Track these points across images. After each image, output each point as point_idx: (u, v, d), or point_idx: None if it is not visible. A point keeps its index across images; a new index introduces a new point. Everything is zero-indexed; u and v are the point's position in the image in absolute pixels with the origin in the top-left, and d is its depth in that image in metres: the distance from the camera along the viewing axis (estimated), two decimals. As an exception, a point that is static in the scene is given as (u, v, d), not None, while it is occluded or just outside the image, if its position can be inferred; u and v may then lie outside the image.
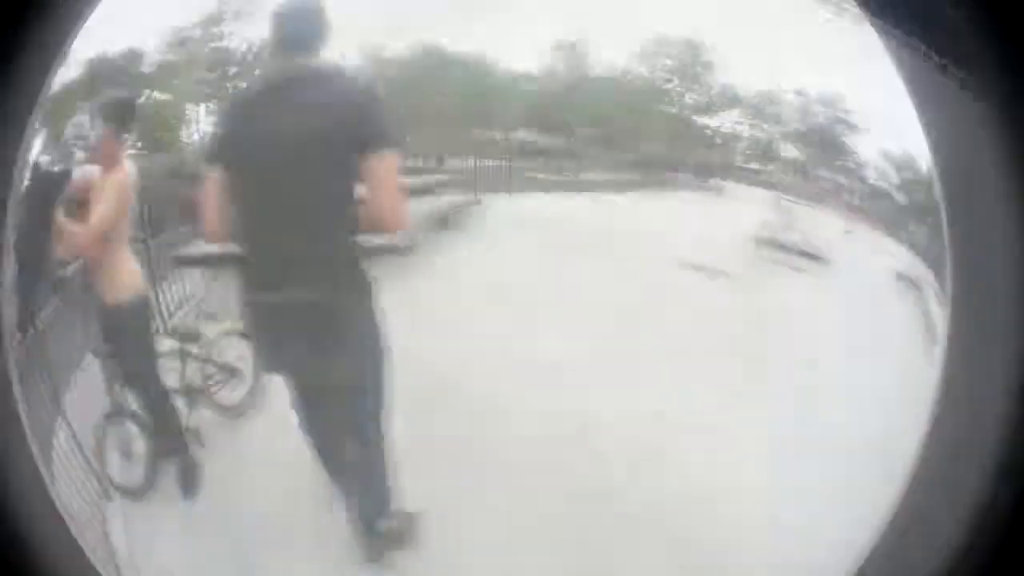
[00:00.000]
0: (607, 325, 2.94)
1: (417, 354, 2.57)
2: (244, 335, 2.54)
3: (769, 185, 2.69)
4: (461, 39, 2.69)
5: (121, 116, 2.27)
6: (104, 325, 2.32)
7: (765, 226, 2.81)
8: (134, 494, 2.29)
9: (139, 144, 2.50)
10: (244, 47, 2.53)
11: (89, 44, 2.22)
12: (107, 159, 2.19)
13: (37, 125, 1.97)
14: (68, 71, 2.19)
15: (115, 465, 2.36)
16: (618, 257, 3.19)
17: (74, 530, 1.73)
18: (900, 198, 2.15)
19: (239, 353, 2.58)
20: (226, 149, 1.93)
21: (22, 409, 1.65)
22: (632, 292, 3.03)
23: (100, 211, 2.20)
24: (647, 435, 2.61)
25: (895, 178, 2.14)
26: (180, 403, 2.43)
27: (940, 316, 1.68)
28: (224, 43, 2.53)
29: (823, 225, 2.58)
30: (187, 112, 2.58)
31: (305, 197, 1.78)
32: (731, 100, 2.63)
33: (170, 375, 2.48)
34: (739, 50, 2.50)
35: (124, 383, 2.33)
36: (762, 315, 2.80)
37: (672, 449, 2.56)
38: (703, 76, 2.71)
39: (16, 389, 1.64)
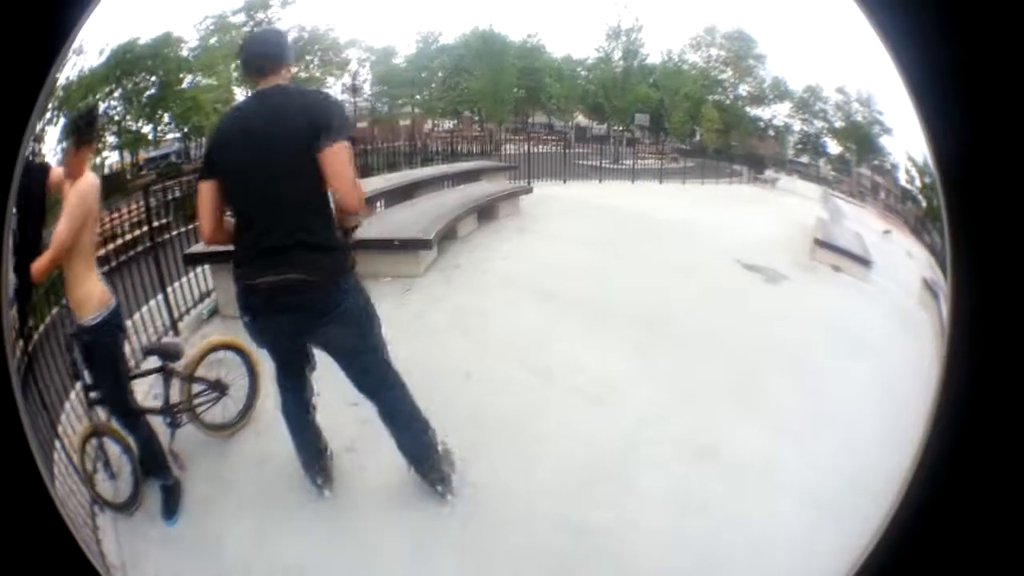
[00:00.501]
0: (658, 337, 3.03)
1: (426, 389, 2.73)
2: (231, 348, 2.70)
3: (817, 180, 2.90)
4: (517, 23, 2.97)
5: (80, 127, 2.33)
6: (76, 344, 2.40)
7: (820, 225, 3.00)
8: (121, 509, 2.43)
9: (179, 131, 2.75)
10: (292, 33, 2.76)
11: (114, 30, 2.39)
12: (69, 170, 2.27)
13: (49, 116, 2.16)
14: (88, 59, 2.34)
15: (102, 480, 2.48)
16: (673, 253, 3.37)
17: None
18: (923, 202, 2.32)
19: (228, 369, 2.71)
20: (211, 162, 2.40)
21: (23, 411, 1.86)
22: (688, 294, 3.15)
23: (59, 227, 2.28)
24: (692, 474, 2.67)
25: (918, 182, 2.34)
26: (162, 424, 2.54)
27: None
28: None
29: (865, 224, 2.74)
30: (233, 98, 2.77)
31: (278, 190, 2.22)
32: (782, 93, 2.88)
33: (152, 394, 2.60)
34: (787, 44, 2.75)
35: (99, 403, 2.44)
36: (816, 325, 2.90)
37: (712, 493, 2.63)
38: (755, 68, 2.98)
39: (17, 392, 1.85)
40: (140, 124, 2.62)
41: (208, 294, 2.88)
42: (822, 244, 3.00)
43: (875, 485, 2.02)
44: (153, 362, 2.59)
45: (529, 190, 3.51)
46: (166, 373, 2.56)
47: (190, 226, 2.71)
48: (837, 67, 2.51)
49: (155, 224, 2.75)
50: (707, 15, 2.91)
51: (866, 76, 2.40)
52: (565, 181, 3.56)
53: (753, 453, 2.63)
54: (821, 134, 2.82)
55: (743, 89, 3.06)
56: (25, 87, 1.78)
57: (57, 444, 2.28)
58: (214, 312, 2.88)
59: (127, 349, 2.51)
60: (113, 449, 2.47)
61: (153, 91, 2.62)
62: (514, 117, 3.35)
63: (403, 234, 3.15)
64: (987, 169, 1.56)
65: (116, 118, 2.54)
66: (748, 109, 3.07)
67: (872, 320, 2.84)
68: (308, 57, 2.87)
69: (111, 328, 2.42)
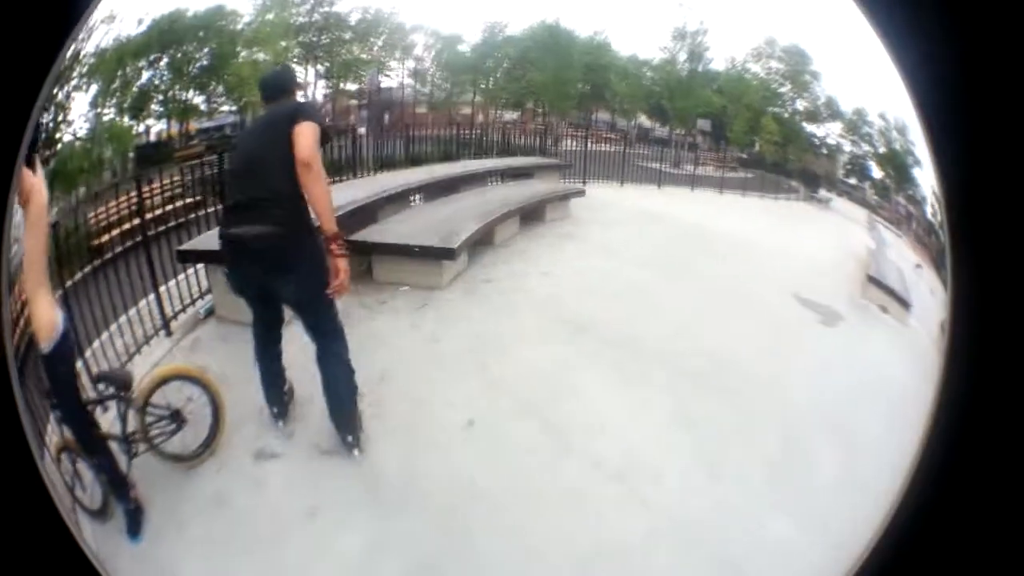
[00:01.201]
0: (701, 393, 3.14)
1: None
2: (187, 378, 2.98)
3: (864, 204, 3.18)
4: (584, 19, 3.37)
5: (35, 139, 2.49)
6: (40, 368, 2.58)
7: (871, 258, 3.22)
8: (95, 516, 2.70)
9: (235, 104, 3.22)
10: (356, 14, 3.28)
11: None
12: (22, 192, 2.41)
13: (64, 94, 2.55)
14: (124, 27, 2.76)
15: (78, 488, 2.69)
16: (729, 278, 3.53)
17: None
18: (942, 237, 2.49)
19: (187, 396, 2.94)
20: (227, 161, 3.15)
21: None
22: (741, 337, 3.29)
23: (28, 244, 2.47)
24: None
25: (940, 216, 2.52)
26: (121, 449, 2.78)
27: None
28: (332, 8, 3.26)
29: (902, 256, 2.94)
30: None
31: (259, 155, 3.00)
32: (834, 113, 3.21)
33: (109, 421, 2.82)
34: (841, 64, 3.09)
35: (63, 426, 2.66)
36: (865, 375, 3.03)
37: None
38: (811, 84, 3.32)
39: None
40: (191, 94, 3.13)
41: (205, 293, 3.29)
42: (874, 281, 3.24)
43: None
44: (103, 388, 2.85)
45: (581, 192, 3.88)
46: (120, 401, 2.83)
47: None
48: (878, 92, 2.74)
49: (186, 201, 3.22)
50: (766, 27, 3.28)
51: (897, 103, 2.55)
52: (622, 183, 3.93)
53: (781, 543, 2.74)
54: (867, 157, 3.16)
55: (800, 104, 3.41)
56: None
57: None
58: (211, 312, 3.30)
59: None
60: (82, 463, 2.72)
61: (205, 62, 3.12)
62: (577, 112, 3.77)
63: (429, 238, 3.50)
64: (988, 170, 1.85)
65: (162, 87, 3.04)
66: (804, 124, 3.43)
67: (909, 371, 2.81)
68: (372, 39, 3.36)
69: (63, 357, 2.64)
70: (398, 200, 3.83)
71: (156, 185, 3.17)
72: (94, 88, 2.77)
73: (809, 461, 2.91)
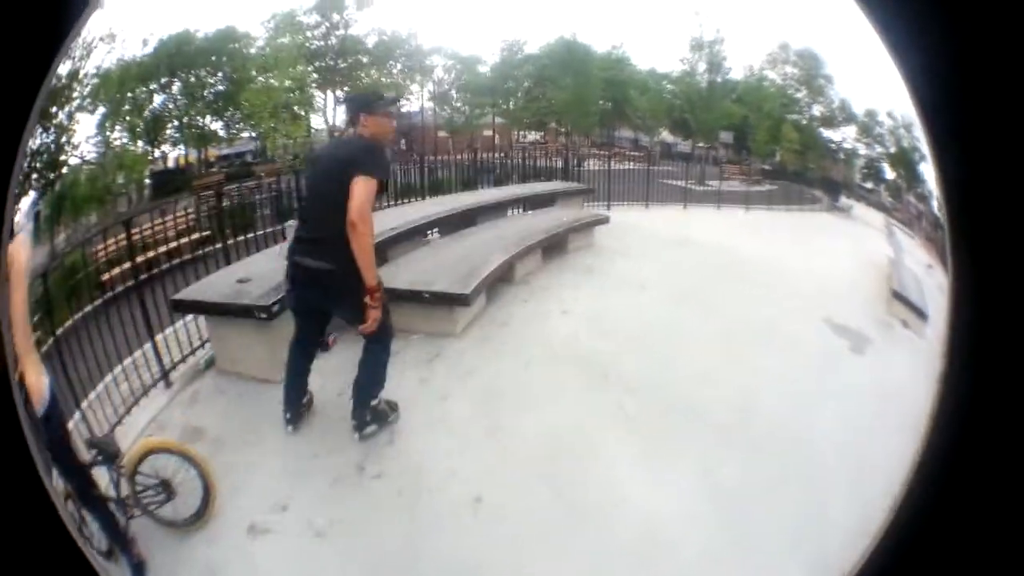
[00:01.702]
0: (732, 453, 3.21)
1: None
2: (172, 452, 3.16)
3: (880, 207, 3.35)
4: (600, 33, 3.65)
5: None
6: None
7: (892, 268, 3.36)
8: (105, 555, 2.86)
9: (254, 131, 3.52)
10: (372, 37, 3.64)
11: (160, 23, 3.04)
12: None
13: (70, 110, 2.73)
14: (128, 48, 2.94)
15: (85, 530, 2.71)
16: (759, 310, 3.72)
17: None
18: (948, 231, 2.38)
19: (175, 468, 3.12)
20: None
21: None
22: (773, 379, 3.38)
23: (16, 300, 2.51)
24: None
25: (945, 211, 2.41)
26: (117, 510, 2.98)
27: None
28: (349, 32, 3.61)
29: (914, 256, 3.06)
30: (311, 99, 3.66)
31: (324, 200, 3.37)
32: (848, 116, 3.42)
33: (106, 483, 2.98)
34: (851, 66, 3.24)
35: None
36: (891, 406, 2.94)
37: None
38: (826, 88, 3.54)
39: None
40: (208, 120, 3.47)
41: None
42: (898, 296, 3.38)
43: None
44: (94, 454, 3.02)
45: (605, 219, 4.13)
46: (111, 468, 3.05)
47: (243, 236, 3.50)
48: (881, 90, 2.77)
49: (197, 236, 3.50)
50: (776, 31, 3.54)
51: (898, 100, 2.52)
52: (647, 205, 4.20)
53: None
54: (881, 159, 3.37)
55: (816, 109, 3.63)
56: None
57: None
58: (211, 364, 3.59)
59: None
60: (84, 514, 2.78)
61: (220, 87, 3.45)
62: (599, 130, 4.08)
63: (443, 281, 3.72)
64: (988, 165, 1.97)
65: (176, 112, 3.34)
66: (822, 130, 3.66)
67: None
68: (391, 62, 3.75)
69: (55, 420, 2.73)
70: (413, 236, 4.07)
71: (169, 218, 3.45)
72: (101, 110, 3.01)
73: (833, 523, 2.92)
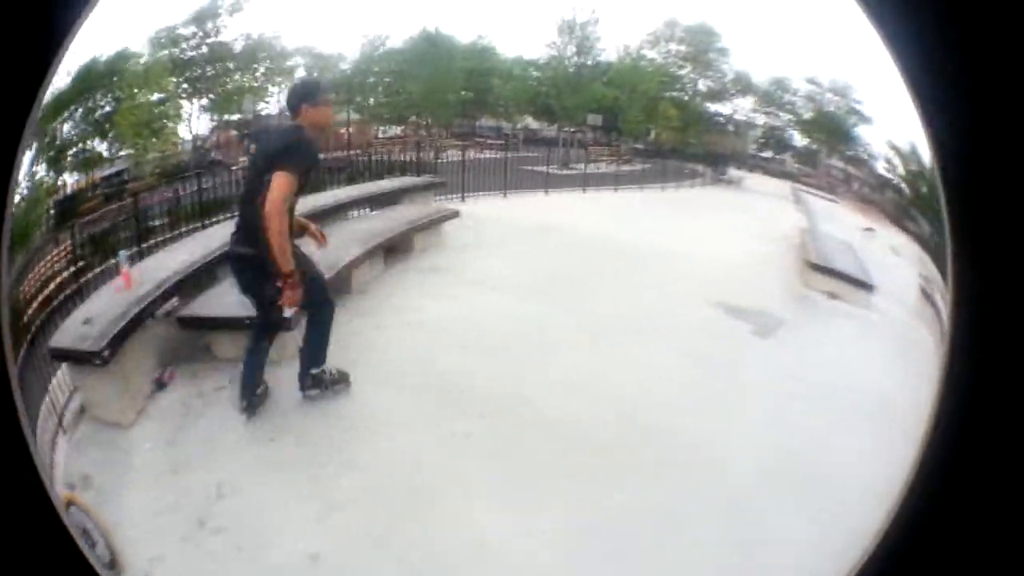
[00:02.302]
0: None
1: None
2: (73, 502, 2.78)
3: (784, 175, 3.36)
4: (466, 24, 3.58)
5: None
6: None
7: (806, 237, 3.29)
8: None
9: (131, 147, 3.36)
10: (240, 43, 3.53)
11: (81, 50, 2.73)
12: None
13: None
14: (59, 81, 2.67)
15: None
16: (636, 302, 3.48)
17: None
18: (907, 191, 2.78)
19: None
20: None
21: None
22: (655, 378, 3.14)
23: None
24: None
25: (901, 170, 2.82)
26: None
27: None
28: (218, 39, 3.49)
29: (844, 222, 3.05)
30: (181, 111, 3.52)
31: (247, 189, 3.35)
32: (745, 87, 3.49)
33: None
34: (753, 36, 3.26)
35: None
36: (824, 391, 2.88)
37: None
38: (717, 62, 3.60)
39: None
40: (94, 142, 3.29)
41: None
42: (817, 268, 3.32)
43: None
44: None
45: (454, 214, 3.99)
46: None
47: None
48: (813, 57, 3.02)
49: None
50: (667, 9, 3.55)
51: (848, 65, 2.90)
52: (506, 194, 4.09)
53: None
54: (787, 127, 3.45)
55: (703, 84, 3.72)
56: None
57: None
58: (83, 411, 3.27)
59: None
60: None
61: (107, 108, 3.27)
62: (462, 121, 4.01)
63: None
64: (989, 165, 1.81)
65: (75, 138, 3.20)
66: (708, 105, 3.74)
67: (880, 357, 2.93)
68: (255, 65, 3.63)
69: None
70: None
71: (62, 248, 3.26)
72: (35, 145, 2.70)
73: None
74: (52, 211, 3.11)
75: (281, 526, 2.78)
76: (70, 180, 3.24)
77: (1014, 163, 1.77)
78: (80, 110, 3.18)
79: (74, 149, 3.20)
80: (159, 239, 3.57)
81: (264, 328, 3.45)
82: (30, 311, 2.99)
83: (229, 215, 3.63)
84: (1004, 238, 1.81)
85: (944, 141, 1.82)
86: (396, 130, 3.99)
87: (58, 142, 3.08)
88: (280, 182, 3.28)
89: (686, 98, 3.81)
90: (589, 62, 3.78)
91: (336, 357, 3.35)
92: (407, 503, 2.78)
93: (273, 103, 3.80)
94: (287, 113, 3.38)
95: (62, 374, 3.13)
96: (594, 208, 3.91)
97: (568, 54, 3.76)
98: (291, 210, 3.32)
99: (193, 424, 3.17)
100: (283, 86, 3.69)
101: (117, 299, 3.26)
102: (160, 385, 3.35)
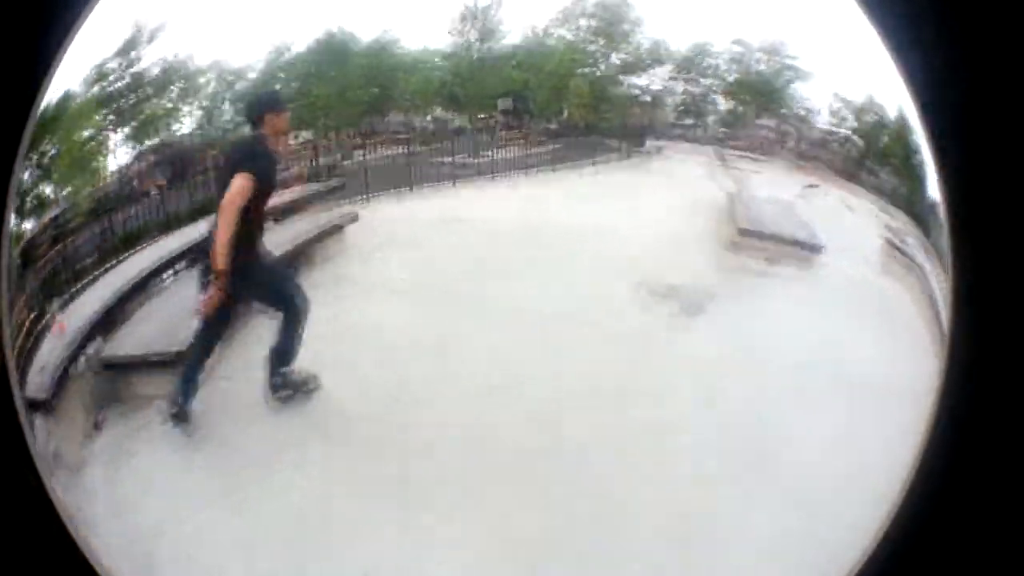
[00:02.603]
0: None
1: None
2: None
3: (709, 141, 3.38)
4: (368, 20, 3.60)
5: None
6: None
7: (737, 206, 3.28)
8: None
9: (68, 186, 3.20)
10: (156, 68, 3.40)
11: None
12: None
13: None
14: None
15: None
16: (548, 281, 3.44)
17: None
18: (860, 143, 2.83)
19: None
20: None
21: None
22: (584, 358, 3.11)
23: None
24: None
25: (852, 122, 2.87)
26: None
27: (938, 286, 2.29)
28: (138, 67, 3.38)
29: (780, 183, 3.05)
30: (108, 145, 3.40)
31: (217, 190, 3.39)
32: (663, 56, 3.53)
33: None
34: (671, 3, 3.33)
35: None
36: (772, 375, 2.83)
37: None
38: (632, 34, 3.61)
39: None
40: (45, 187, 3.17)
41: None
42: (749, 233, 3.30)
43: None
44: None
45: (353, 217, 3.91)
46: None
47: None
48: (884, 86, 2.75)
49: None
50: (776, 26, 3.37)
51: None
52: (412, 188, 4.01)
53: None
54: (709, 92, 3.49)
55: (616, 58, 3.72)
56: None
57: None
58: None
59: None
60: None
61: (53, 151, 3.16)
62: (370, 119, 3.96)
63: (161, 341, 3.53)
64: (990, 168, 2.04)
65: (30, 185, 3.10)
66: (621, 78, 3.73)
67: (835, 320, 2.91)
68: (169, 88, 3.52)
69: None
70: (148, 285, 3.76)
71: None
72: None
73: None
74: (18, 260, 3.05)
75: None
76: (27, 226, 3.14)
77: (1015, 159, 2.00)
78: (35, 155, 3.08)
79: (30, 195, 3.11)
80: (89, 278, 3.41)
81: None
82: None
83: (149, 243, 3.61)
84: (1005, 233, 2.02)
85: (945, 142, 2.09)
86: (309, 135, 3.90)
87: (22, 189, 3.02)
88: (237, 183, 3.47)
89: (598, 73, 3.79)
90: (493, 46, 3.72)
91: (213, 403, 3.28)
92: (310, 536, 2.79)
93: (187, 123, 3.67)
94: (230, 129, 3.55)
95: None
96: (503, 194, 3.82)
97: (472, 39, 3.72)
98: (254, 220, 3.49)
99: (127, 464, 3.03)
100: (195, 105, 3.62)
101: (56, 346, 3.15)
102: (97, 427, 3.24)
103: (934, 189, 2.51)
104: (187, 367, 3.48)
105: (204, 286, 3.53)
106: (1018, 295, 2.06)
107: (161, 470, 3.24)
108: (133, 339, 3.43)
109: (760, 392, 2.97)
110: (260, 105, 3.61)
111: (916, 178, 2.61)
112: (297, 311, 3.55)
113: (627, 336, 3.22)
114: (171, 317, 3.58)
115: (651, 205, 3.60)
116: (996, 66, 2.00)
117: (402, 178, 4.03)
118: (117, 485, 3.11)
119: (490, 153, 4.08)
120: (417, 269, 3.69)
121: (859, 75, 2.83)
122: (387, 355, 3.42)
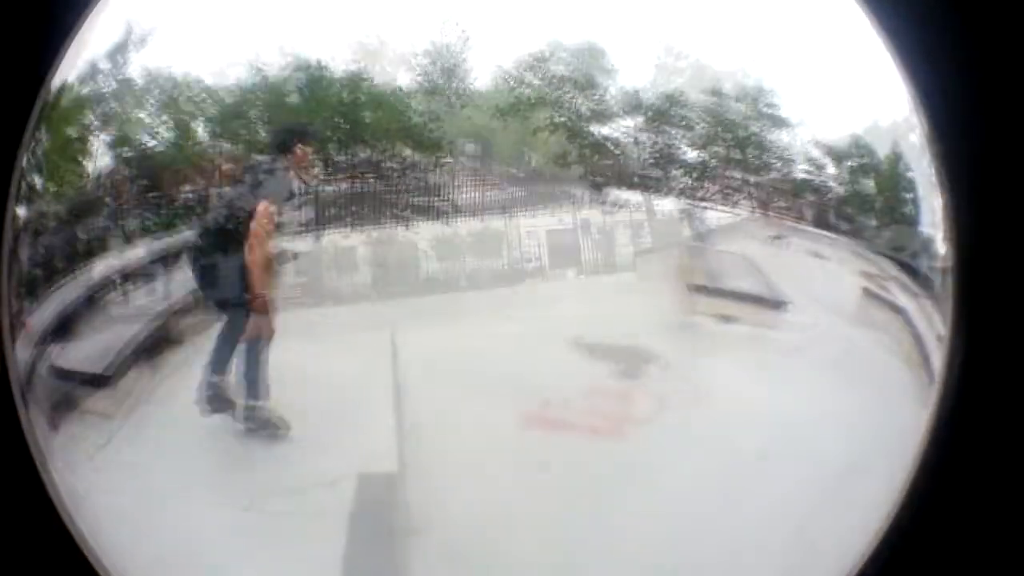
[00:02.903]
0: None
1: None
2: None
3: (674, 192, 3.34)
4: (342, 54, 3.67)
5: None
6: None
7: (694, 255, 3.21)
8: None
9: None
10: (142, 75, 3.43)
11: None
12: None
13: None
14: None
15: None
16: (479, 340, 3.44)
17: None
18: (837, 189, 2.86)
19: None
20: None
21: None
22: (526, 431, 2.99)
23: None
24: None
25: (831, 169, 2.91)
26: None
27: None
28: (125, 74, 3.37)
29: (746, 234, 3.04)
30: (89, 148, 3.39)
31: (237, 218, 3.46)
32: (633, 106, 3.54)
33: None
34: (644, 52, 3.37)
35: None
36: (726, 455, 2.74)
37: None
38: (602, 82, 3.64)
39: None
40: (33, 178, 2.97)
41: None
42: (703, 290, 3.20)
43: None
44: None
45: (293, 256, 3.91)
46: None
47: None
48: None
49: None
50: (551, 30, 3.61)
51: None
52: (362, 230, 3.96)
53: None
54: (678, 142, 3.49)
55: (584, 107, 3.72)
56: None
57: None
58: None
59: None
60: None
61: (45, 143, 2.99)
62: (336, 153, 3.96)
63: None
64: (992, 176, 1.96)
65: (25, 173, 2.89)
66: (589, 127, 3.74)
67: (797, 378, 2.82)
68: (148, 98, 3.55)
69: None
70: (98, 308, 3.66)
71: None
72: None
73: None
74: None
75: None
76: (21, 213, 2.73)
77: (1017, 160, 1.87)
78: (33, 143, 2.65)
79: (24, 183, 2.65)
80: (60, 281, 3.31)
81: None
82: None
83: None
84: (1008, 238, 1.90)
85: (945, 140, 1.94)
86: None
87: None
88: (263, 210, 3.52)
89: (564, 120, 3.79)
90: (461, 87, 3.77)
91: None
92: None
93: (161, 137, 3.67)
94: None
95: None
96: (463, 240, 3.74)
97: (439, 80, 3.75)
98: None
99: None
100: (168, 119, 3.66)
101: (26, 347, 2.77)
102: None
103: (928, 226, 2.47)
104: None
105: (221, 304, 3.57)
106: (1018, 297, 1.92)
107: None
108: (77, 354, 3.32)
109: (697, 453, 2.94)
110: (294, 135, 3.69)
111: (904, 220, 2.62)
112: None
113: (558, 398, 3.15)
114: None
115: (596, 262, 3.59)
116: (999, 59, 1.88)
117: (358, 216, 4.00)
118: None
119: (462, 195, 4.02)
120: (339, 319, 3.74)
121: (845, 117, 2.85)
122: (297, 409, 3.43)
